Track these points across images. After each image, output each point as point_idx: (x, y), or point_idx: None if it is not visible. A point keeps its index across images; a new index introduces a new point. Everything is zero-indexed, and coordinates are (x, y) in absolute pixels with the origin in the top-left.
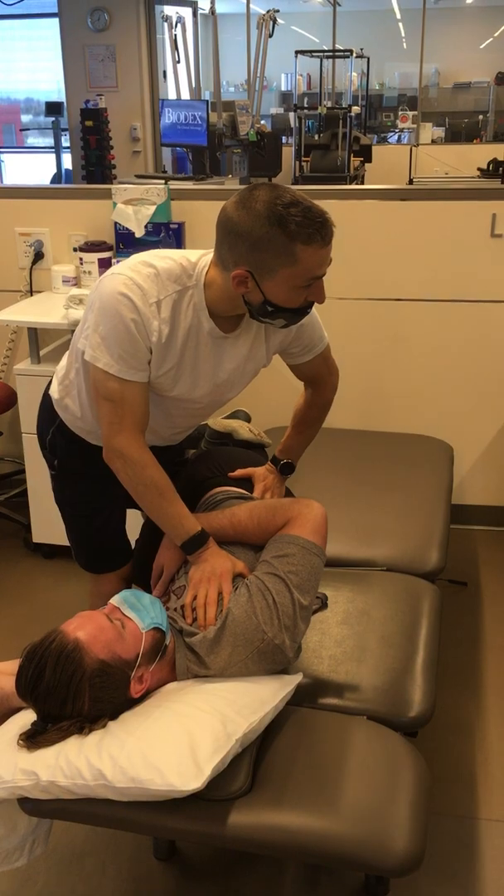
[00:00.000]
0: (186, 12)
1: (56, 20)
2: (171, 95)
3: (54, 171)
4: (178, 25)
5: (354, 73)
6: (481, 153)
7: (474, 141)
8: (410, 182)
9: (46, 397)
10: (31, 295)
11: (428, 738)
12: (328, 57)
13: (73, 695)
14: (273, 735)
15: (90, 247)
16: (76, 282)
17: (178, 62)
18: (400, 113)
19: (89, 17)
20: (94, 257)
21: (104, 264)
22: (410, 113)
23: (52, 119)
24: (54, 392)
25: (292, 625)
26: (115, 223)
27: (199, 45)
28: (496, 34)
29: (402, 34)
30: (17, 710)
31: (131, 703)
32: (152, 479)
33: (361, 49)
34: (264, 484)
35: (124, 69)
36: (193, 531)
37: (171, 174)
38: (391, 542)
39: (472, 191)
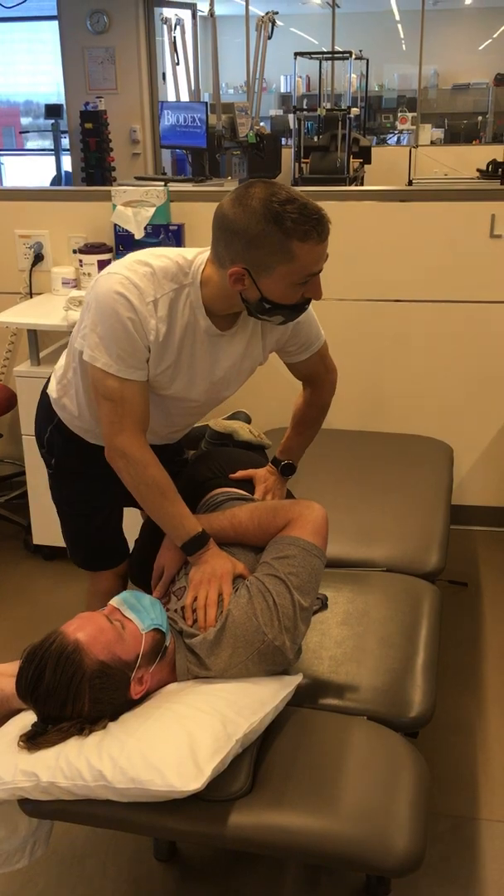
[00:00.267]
0: (185, 14)
1: (55, 23)
2: (171, 97)
3: (54, 173)
4: (178, 27)
5: (353, 75)
6: (480, 154)
7: (473, 142)
8: (410, 183)
9: (44, 396)
10: (31, 297)
11: (428, 738)
12: (327, 59)
13: (74, 696)
14: (273, 735)
15: (90, 249)
16: (76, 284)
17: (178, 64)
18: (399, 114)
19: (88, 19)
20: (93, 259)
21: (104, 266)
22: (409, 114)
23: (52, 121)
24: (52, 391)
25: (293, 626)
26: (115, 225)
27: (198, 47)
28: (495, 35)
29: (402, 36)
30: (18, 711)
31: (131, 704)
32: (154, 479)
33: (360, 51)
34: (265, 485)
35: (124, 71)
36: (194, 532)
37: (170, 176)
38: (391, 542)
39: (472, 192)
